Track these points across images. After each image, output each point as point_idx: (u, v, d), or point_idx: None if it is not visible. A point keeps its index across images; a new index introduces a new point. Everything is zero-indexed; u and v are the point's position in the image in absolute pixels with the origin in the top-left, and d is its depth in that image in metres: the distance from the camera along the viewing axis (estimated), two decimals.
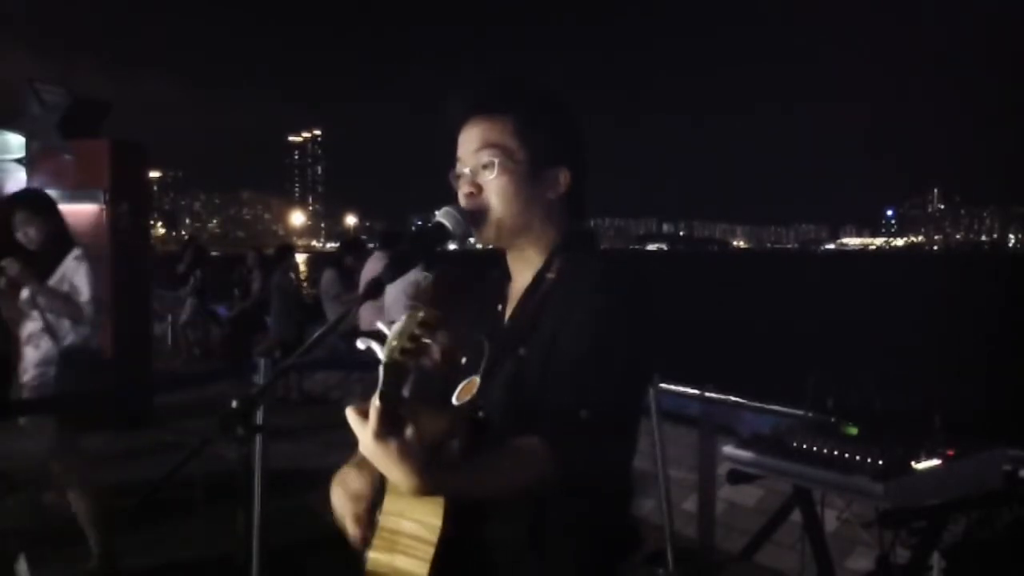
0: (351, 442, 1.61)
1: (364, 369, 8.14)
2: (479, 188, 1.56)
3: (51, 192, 7.53)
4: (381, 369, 1.25)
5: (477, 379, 1.50)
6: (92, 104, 8.22)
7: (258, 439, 3.57)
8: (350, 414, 1.25)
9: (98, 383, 4.54)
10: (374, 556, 1.40)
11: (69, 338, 4.28)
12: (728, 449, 2.99)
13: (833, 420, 2.95)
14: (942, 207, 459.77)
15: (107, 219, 7.41)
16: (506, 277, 1.67)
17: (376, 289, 1.48)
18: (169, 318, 12.93)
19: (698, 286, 46.22)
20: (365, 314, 7.88)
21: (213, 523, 4.54)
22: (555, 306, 1.50)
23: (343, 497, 1.52)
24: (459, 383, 1.54)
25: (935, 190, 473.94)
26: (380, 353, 1.26)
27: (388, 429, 1.22)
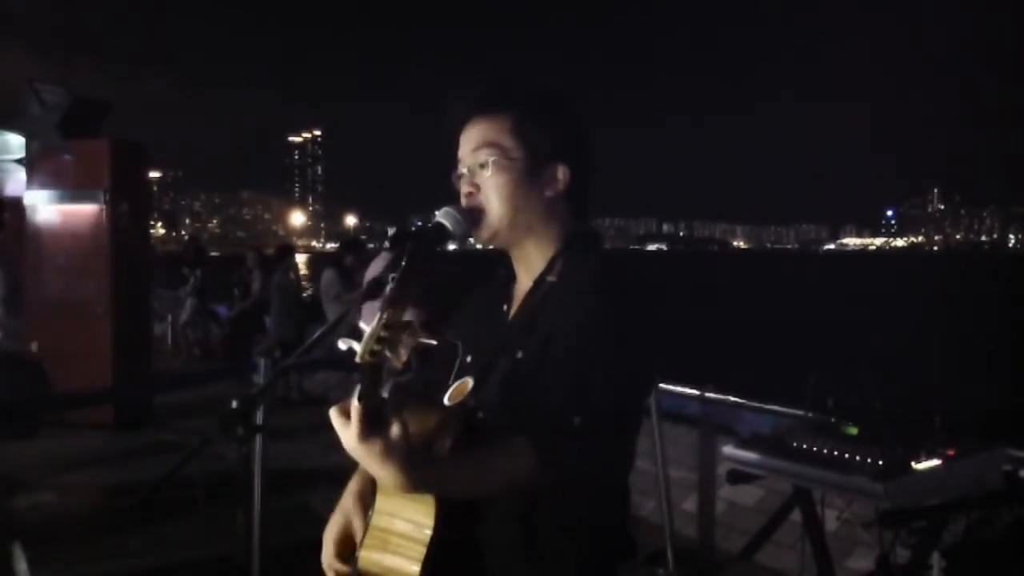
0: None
1: None
2: (477, 187, 1.56)
3: (51, 192, 7.59)
4: (358, 370, 1.26)
5: (470, 380, 1.50)
6: (92, 104, 8.22)
7: (258, 439, 3.57)
8: (333, 414, 1.26)
9: (9, 386, 4.49)
10: (365, 555, 1.41)
11: None
12: (728, 449, 2.99)
13: (833, 420, 2.95)
14: (942, 207, 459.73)
15: (107, 219, 7.41)
16: (512, 277, 1.66)
17: (376, 289, 1.48)
18: (169, 318, 12.93)
19: (698, 286, 46.20)
20: (367, 314, 7.88)
21: (213, 523, 4.55)
22: (553, 308, 1.49)
23: (330, 539, 1.55)
24: (452, 383, 1.54)
25: (935, 190, 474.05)
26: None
27: (371, 429, 1.22)
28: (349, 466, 1.60)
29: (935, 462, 2.58)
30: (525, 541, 1.43)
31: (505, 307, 1.64)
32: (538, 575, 1.45)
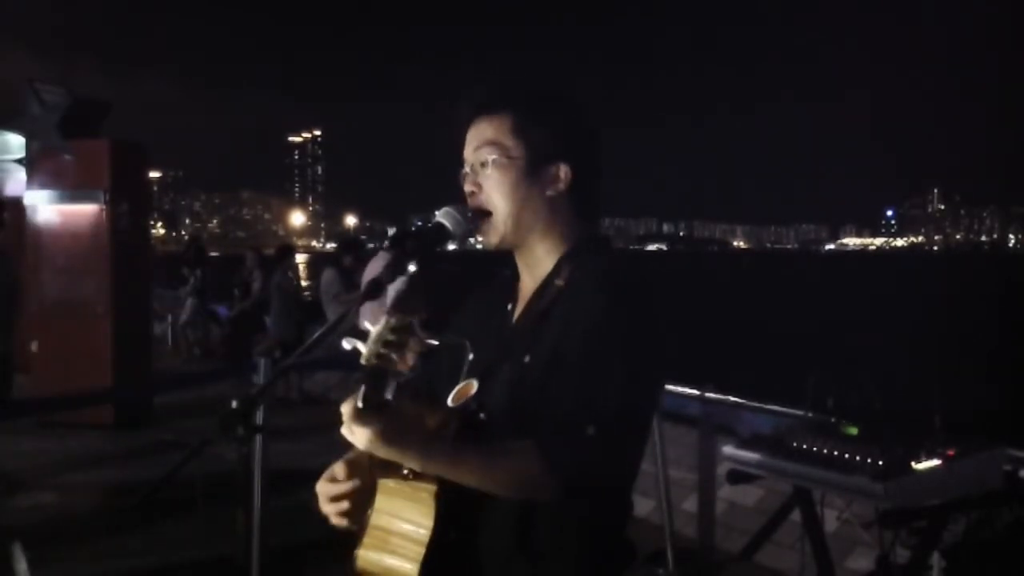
0: (350, 442, 1.61)
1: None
2: (479, 186, 1.56)
3: (51, 192, 7.60)
4: (361, 372, 1.26)
5: (475, 382, 1.50)
6: (92, 104, 8.22)
7: (258, 439, 3.56)
8: (344, 409, 1.29)
9: None
10: (364, 554, 1.41)
11: None
12: (728, 449, 2.99)
13: (833, 420, 2.95)
14: (942, 207, 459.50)
15: (107, 219, 7.41)
16: (516, 277, 1.65)
17: (376, 289, 1.48)
18: (169, 318, 12.93)
19: (698, 286, 46.20)
20: (367, 314, 7.89)
21: (213, 523, 4.55)
22: (561, 314, 1.48)
23: (322, 483, 1.53)
24: (456, 385, 1.54)
25: (935, 190, 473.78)
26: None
27: (368, 412, 1.27)
28: None
29: (935, 462, 2.58)
30: (524, 543, 1.43)
31: (510, 307, 1.63)
32: (539, 573, 1.44)
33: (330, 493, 1.49)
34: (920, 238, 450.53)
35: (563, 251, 1.57)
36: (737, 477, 3.05)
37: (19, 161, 8.31)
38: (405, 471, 1.39)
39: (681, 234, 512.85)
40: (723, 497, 4.74)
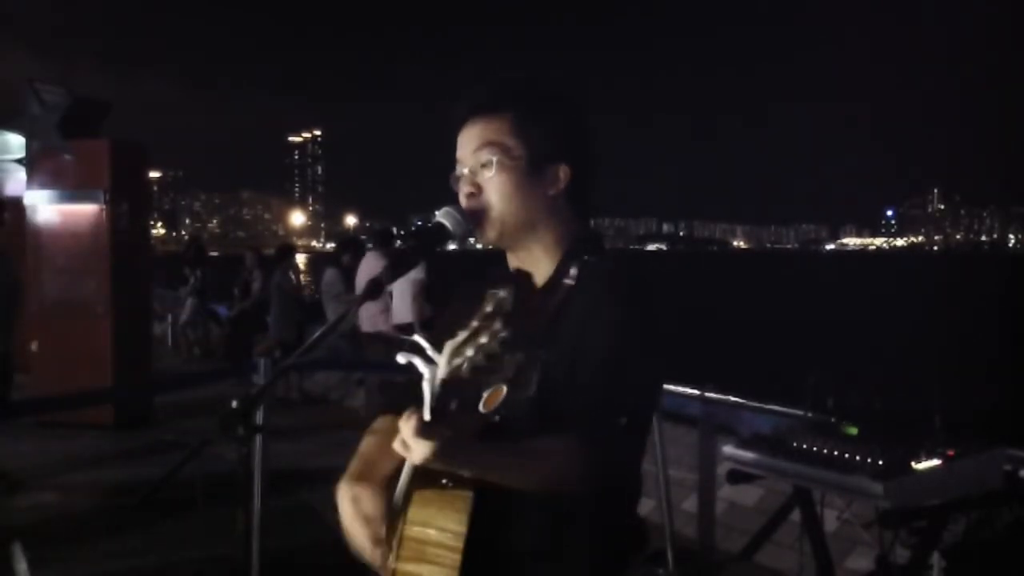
0: (351, 442, 1.61)
1: (364, 369, 8.15)
2: (479, 188, 1.55)
3: (51, 192, 7.60)
4: (433, 385, 1.24)
5: (504, 387, 1.49)
6: (92, 104, 8.22)
7: (258, 439, 3.56)
8: (410, 421, 1.24)
9: None
10: (402, 567, 1.40)
11: None
12: (728, 449, 2.99)
13: (833, 420, 2.95)
14: (942, 207, 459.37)
15: (107, 219, 7.41)
16: (508, 278, 1.65)
17: (376, 289, 1.48)
18: (169, 318, 12.93)
19: (698, 286, 46.19)
20: (366, 314, 7.89)
21: (213, 523, 4.55)
22: (576, 313, 1.49)
23: (356, 520, 1.49)
24: (484, 390, 1.53)
25: (935, 190, 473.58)
26: (424, 368, 1.26)
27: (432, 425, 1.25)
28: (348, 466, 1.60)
29: (935, 462, 2.58)
30: (555, 537, 1.45)
31: (509, 308, 1.63)
32: (562, 572, 1.47)
33: (371, 537, 1.48)
34: (920, 238, 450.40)
35: (562, 250, 1.58)
36: (737, 477, 3.05)
37: (19, 161, 8.30)
38: (444, 480, 1.39)
39: (681, 234, 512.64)
40: (723, 497, 4.74)
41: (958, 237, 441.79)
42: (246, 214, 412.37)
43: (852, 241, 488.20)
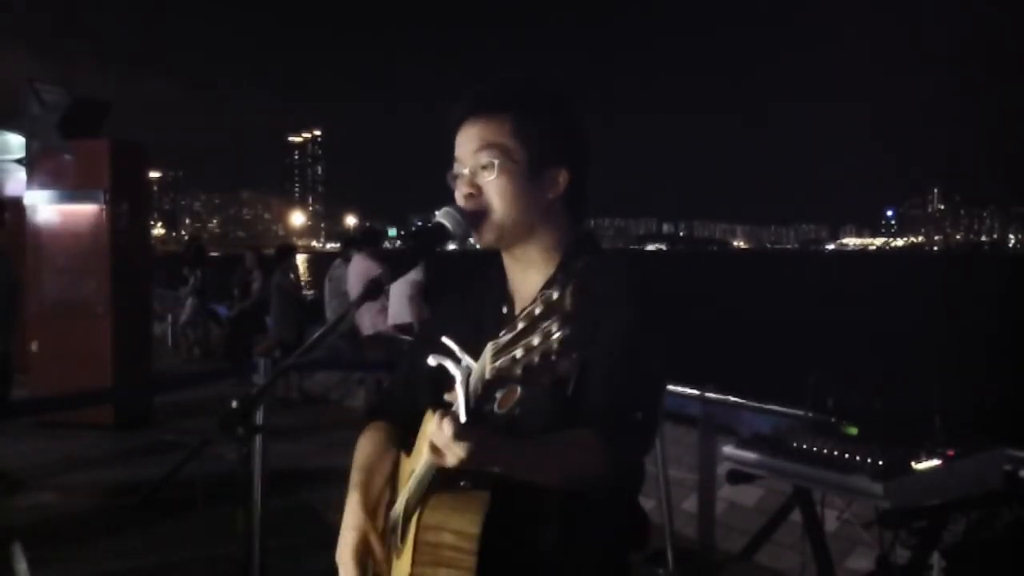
0: (351, 442, 1.61)
1: (364, 369, 8.16)
2: (478, 189, 1.54)
3: (51, 192, 7.60)
4: (477, 385, 1.22)
5: (518, 387, 1.49)
6: (92, 104, 8.23)
7: (258, 439, 3.57)
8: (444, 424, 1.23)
9: None
10: (419, 571, 1.40)
11: None
12: (728, 449, 2.99)
13: (833, 420, 2.94)
14: (942, 207, 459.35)
15: (107, 219, 7.41)
16: (504, 278, 1.65)
17: (375, 289, 1.48)
18: (169, 318, 12.94)
19: (698, 286, 46.19)
20: (365, 315, 7.89)
21: (213, 523, 4.55)
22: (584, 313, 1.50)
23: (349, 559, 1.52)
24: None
25: (935, 190, 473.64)
26: (455, 370, 1.24)
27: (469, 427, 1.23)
28: (348, 466, 1.60)
29: (935, 462, 2.58)
30: (564, 534, 1.46)
31: (504, 309, 1.62)
32: (574, 567, 1.48)
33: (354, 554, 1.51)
34: (920, 238, 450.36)
35: (560, 252, 1.58)
36: (737, 477, 3.05)
37: (19, 161, 8.31)
38: (463, 482, 1.39)
39: (681, 234, 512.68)
40: (723, 497, 4.74)
41: (958, 237, 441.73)
42: (246, 214, 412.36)
43: (852, 241, 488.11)
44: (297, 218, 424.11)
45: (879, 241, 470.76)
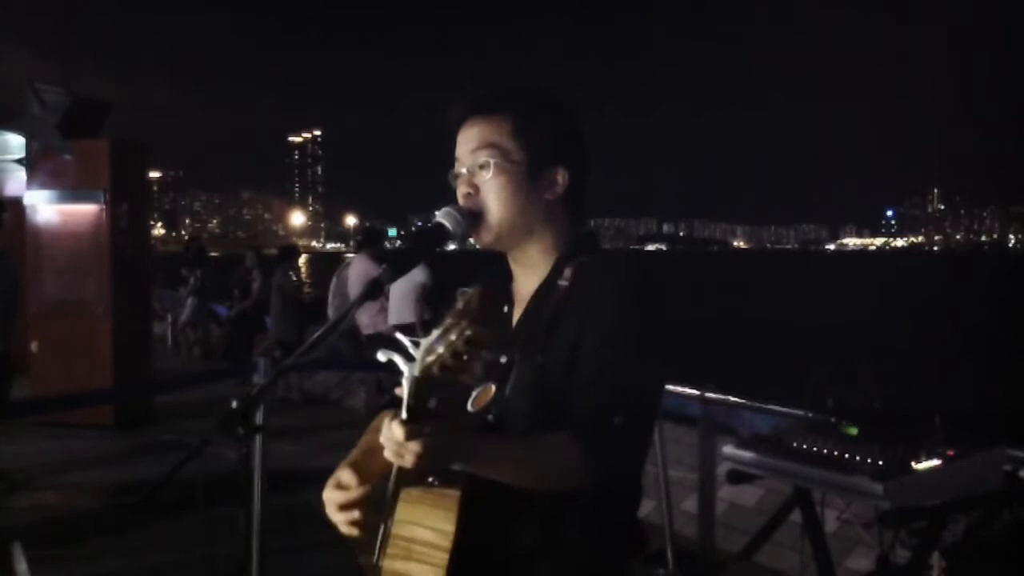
0: (351, 442, 1.61)
1: (364, 369, 8.15)
2: (476, 188, 1.55)
3: (51, 192, 7.60)
4: (410, 383, 1.23)
5: (493, 386, 1.49)
6: (92, 104, 8.23)
7: (258, 439, 3.57)
8: (395, 427, 1.24)
9: None
10: (389, 564, 1.40)
11: None
12: (728, 449, 2.99)
13: (833, 420, 2.94)
14: (942, 207, 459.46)
15: (107, 219, 7.41)
16: (508, 279, 1.65)
17: (375, 289, 1.48)
18: (169, 318, 12.94)
19: (698, 286, 46.19)
20: (365, 315, 7.89)
21: (213, 523, 4.54)
22: (573, 313, 1.49)
23: (335, 500, 1.51)
24: (473, 389, 1.53)
25: (935, 190, 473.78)
26: (404, 366, 1.25)
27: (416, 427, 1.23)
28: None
29: (935, 462, 2.58)
30: (549, 538, 1.45)
31: (506, 309, 1.62)
32: (556, 573, 1.46)
33: (339, 501, 1.48)
34: (920, 238, 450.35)
35: (558, 252, 1.58)
36: (737, 477, 3.05)
37: (19, 161, 8.31)
38: (431, 479, 1.39)
39: (681, 234, 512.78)
40: (723, 497, 4.74)
41: (958, 237, 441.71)
42: (246, 214, 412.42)
43: (852, 241, 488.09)
44: (297, 218, 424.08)
45: (879, 241, 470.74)
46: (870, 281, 65.75)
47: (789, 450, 2.78)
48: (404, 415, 1.23)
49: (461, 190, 1.56)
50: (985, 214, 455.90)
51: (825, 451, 2.69)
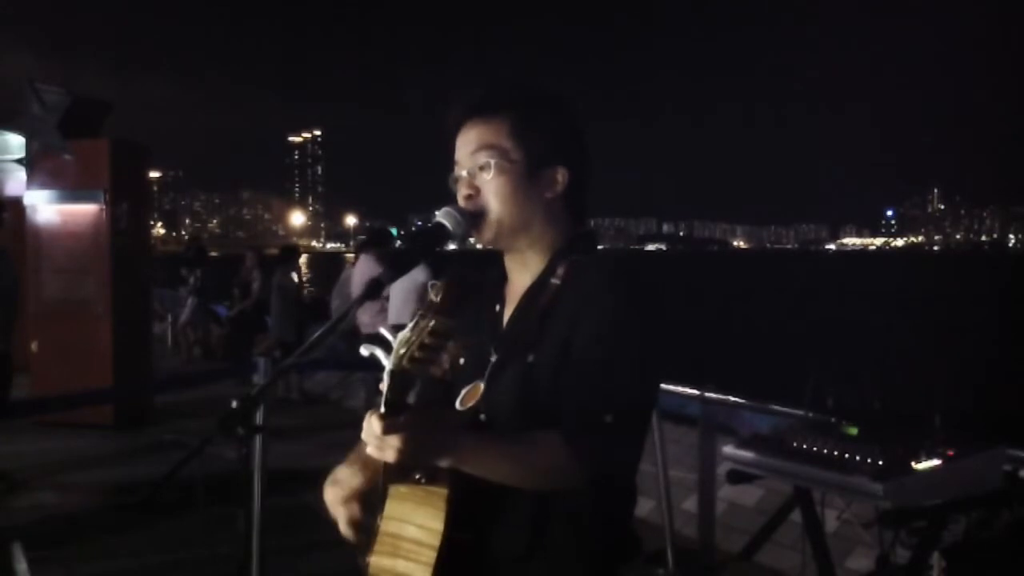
0: (351, 442, 1.61)
1: (364, 369, 8.15)
2: (477, 190, 1.55)
3: (51, 192, 7.60)
4: (387, 377, 1.24)
5: (481, 384, 1.50)
6: (92, 104, 8.23)
7: (258, 439, 3.56)
8: (373, 421, 1.26)
9: None
10: (377, 560, 1.41)
11: None
12: (728, 449, 2.99)
13: (833, 420, 2.94)
14: (942, 207, 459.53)
15: (107, 219, 7.41)
16: (504, 278, 1.65)
17: (375, 289, 1.48)
18: (169, 318, 12.94)
19: (698, 286, 46.19)
20: (365, 315, 7.89)
21: (213, 523, 4.55)
22: (564, 312, 1.48)
23: (335, 497, 1.51)
24: (462, 387, 1.54)
25: (935, 190, 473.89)
26: (385, 360, 1.26)
27: (394, 420, 1.25)
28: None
29: (935, 462, 2.58)
30: (538, 539, 1.44)
31: (498, 307, 1.63)
32: (546, 573, 1.46)
33: (339, 498, 1.48)
34: (920, 238, 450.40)
35: (555, 251, 1.58)
36: (737, 477, 3.05)
37: (19, 161, 8.31)
38: (418, 476, 1.39)
39: (681, 234, 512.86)
40: (723, 497, 4.74)
41: (958, 237, 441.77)
42: (246, 214, 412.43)
43: (852, 241, 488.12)
44: (297, 218, 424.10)
45: (879, 241, 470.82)
46: (870, 281, 65.75)
47: (789, 450, 2.78)
48: (382, 409, 1.24)
49: (462, 192, 1.56)
50: (985, 214, 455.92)
51: (825, 451, 2.69)
